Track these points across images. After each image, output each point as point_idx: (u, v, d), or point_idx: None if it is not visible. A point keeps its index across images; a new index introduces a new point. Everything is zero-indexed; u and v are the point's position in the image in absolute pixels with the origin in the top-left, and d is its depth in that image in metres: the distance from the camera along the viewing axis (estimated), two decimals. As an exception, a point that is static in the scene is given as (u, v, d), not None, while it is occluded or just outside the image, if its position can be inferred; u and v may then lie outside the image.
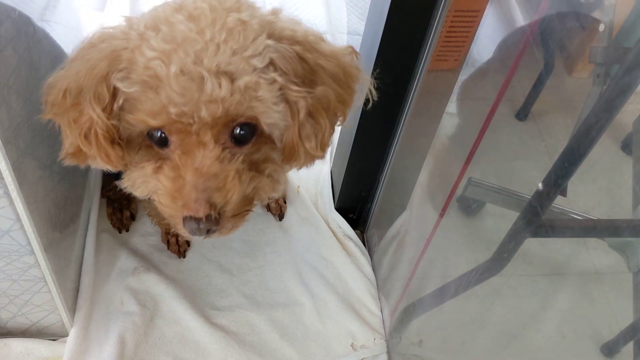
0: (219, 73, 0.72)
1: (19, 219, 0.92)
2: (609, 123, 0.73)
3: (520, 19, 1.00)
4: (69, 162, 0.82)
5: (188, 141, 0.76)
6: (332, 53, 0.84)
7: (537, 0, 0.96)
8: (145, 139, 0.80)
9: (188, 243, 1.39)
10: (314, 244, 1.44)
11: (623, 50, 0.77)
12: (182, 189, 0.76)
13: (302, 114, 0.79)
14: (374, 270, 1.43)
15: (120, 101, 0.75)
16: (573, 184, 0.82)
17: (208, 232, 0.78)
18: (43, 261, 1.02)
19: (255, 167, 0.82)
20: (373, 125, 1.21)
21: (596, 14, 0.84)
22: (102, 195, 1.42)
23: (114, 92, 0.75)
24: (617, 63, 0.78)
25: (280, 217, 1.47)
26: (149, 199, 0.86)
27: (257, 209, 1.47)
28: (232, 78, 0.72)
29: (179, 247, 1.37)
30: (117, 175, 0.89)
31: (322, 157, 0.87)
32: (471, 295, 0.99)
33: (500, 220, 1.02)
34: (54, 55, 1.10)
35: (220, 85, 0.71)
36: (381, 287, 1.39)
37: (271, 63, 0.76)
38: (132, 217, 1.41)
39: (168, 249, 1.38)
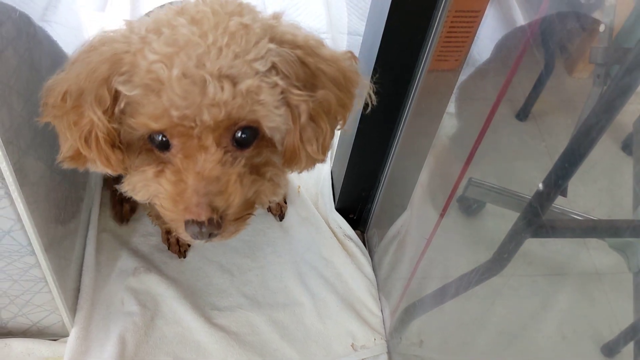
0: (221, 76, 0.72)
1: (19, 220, 0.92)
2: (610, 123, 0.73)
3: (521, 19, 1.00)
4: (67, 165, 0.82)
5: (189, 145, 0.76)
6: (332, 57, 0.84)
7: (538, 1, 0.96)
8: (145, 143, 0.80)
9: (189, 243, 1.39)
10: (315, 244, 1.44)
11: (623, 51, 0.77)
12: (184, 192, 0.76)
13: (303, 118, 0.79)
14: (374, 270, 1.43)
15: (122, 104, 0.74)
16: (573, 184, 0.82)
17: (210, 236, 0.78)
18: (44, 261, 1.02)
19: (256, 170, 0.82)
20: (374, 126, 1.21)
21: (596, 15, 0.84)
22: (108, 187, 1.43)
23: (115, 95, 0.75)
24: (617, 64, 0.78)
25: (281, 217, 1.47)
26: (148, 202, 0.86)
27: (258, 210, 1.47)
28: (234, 82, 0.72)
29: (179, 247, 1.37)
30: (119, 176, 0.89)
31: (323, 160, 0.87)
32: (472, 296, 0.99)
33: (500, 220, 1.02)
34: (55, 55, 1.10)
35: (222, 89, 0.71)
36: (382, 287, 1.39)
37: (273, 67, 0.76)
38: (133, 210, 1.42)
39: (169, 249, 1.38)
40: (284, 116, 0.78)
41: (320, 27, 1.91)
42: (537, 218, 0.85)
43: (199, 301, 1.32)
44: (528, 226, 0.86)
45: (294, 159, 0.84)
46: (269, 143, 0.83)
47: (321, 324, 1.32)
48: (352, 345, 1.30)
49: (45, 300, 1.12)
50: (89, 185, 1.39)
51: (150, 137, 0.78)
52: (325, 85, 0.82)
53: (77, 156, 0.80)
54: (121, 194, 1.22)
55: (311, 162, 0.86)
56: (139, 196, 0.84)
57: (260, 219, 1.48)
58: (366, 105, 0.93)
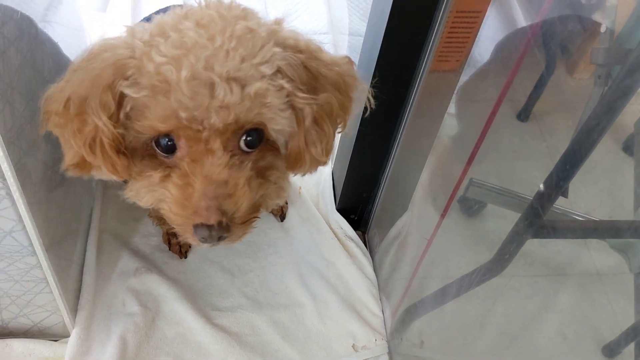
0: (230, 79, 0.72)
1: (21, 220, 0.92)
2: (611, 124, 0.73)
3: (522, 20, 1.00)
4: (72, 173, 0.81)
5: (197, 148, 0.75)
6: (332, 62, 0.85)
7: (539, 1, 0.96)
8: (149, 148, 0.80)
9: (189, 244, 1.39)
10: (315, 244, 1.44)
11: (625, 52, 0.77)
12: (191, 196, 0.76)
13: (308, 121, 0.79)
14: (375, 270, 1.43)
15: (128, 108, 0.74)
16: (574, 185, 0.82)
17: (219, 239, 0.78)
18: (45, 262, 1.02)
19: (261, 174, 0.82)
20: (375, 127, 1.21)
21: (598, 15, 0.84)
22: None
23: (120, 100, 0.75)
24: (618, 64, 0.78)
25: (282, 217, 1.47)
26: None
27: (259, 210, 1.47)
28: (242, 84, 0.72)
29: (180, 247, 1.38)
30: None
31: (325, 163, 0.88)
32: (472, 296, 0.99)
33: (501, 221, 1.02)
34: (57, 56, 1.10)
35: (231, 91, 0.71)
36: (382, 287, 1.39)
37: (278, 70, 0.76)
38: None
39: (169, 249, 1.38)
40: (290, 119, 0.78)
41: (321, 28, 1.91)
42: (538, 219, 0.85)
43: (199, 302, 1.32)
44: (529, 227, 0.86)
45: (299, 162, 0.84)
46: (273, 147, 0.83)
47: (322, 324, 1.32)
48: (353, 346, 1.30)
49: (46, 300, 1.12)
50: (90, 186, 1.39)
51: (156, 142, 0.78)
52: (326, 89, 0.82)
53: (82, 164, 0.79)
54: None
55: (315, 164, 0.86)
56: (143, 202, 0.83)
57: (261, 220, 1.46)
58: (365, 109, 0.94)
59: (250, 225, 0.82)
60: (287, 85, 0.76)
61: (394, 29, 1.01)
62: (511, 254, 0.90)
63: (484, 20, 1.04)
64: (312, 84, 0.80)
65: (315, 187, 1.56)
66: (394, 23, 1.00)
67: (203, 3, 0.81)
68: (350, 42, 1.90)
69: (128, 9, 1.89)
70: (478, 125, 0.98)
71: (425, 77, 1.08)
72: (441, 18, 0.99)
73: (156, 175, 0.79)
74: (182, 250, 1.38)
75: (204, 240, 0.78)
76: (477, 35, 1.05)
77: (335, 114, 0.84)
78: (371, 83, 1.06)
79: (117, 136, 0.75)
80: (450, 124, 1.13)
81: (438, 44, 1.03)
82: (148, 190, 0.81)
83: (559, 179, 0.81)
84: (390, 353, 1.30)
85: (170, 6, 0.91)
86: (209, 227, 0.76)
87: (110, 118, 0.74)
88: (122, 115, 0.75)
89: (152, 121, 0.73)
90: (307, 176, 1.53)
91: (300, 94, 0.77)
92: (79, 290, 1.27)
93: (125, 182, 0.85)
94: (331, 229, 1.47)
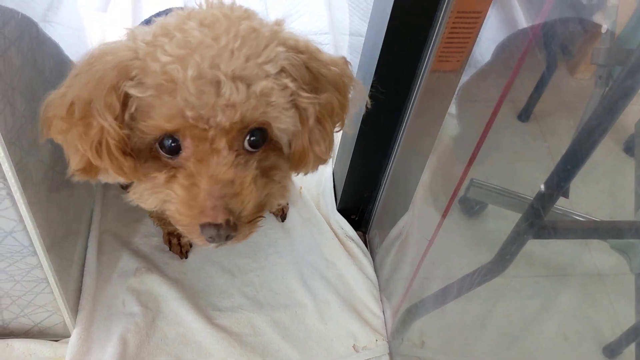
0: (235, 78, 0.72)
1: (22, 220, 0.92)
2: (612, 125, 0.73)
3: (523, 21, 1.00)
4: (78, 178, 0.81)
5: (202, 148, 0.76)
6: (331, 62, 0.85)
7: (540, 2, 0.96)
8: (153, 150, 0.80)
9: (190, 244, 1.39)
10: (316, 245, 1.44)
11: (625, 52, 0.77)
12: (197, 196, 0.76)
13: (311, 120, 0.80)
14: (376, 271, 1.43)
15: (133, 108, 0.74)
16: (575, 185, 0.82)
17: (227, 238, 0.78)
18: (46, 262, 1.02)
19: (265, 174, 0.83)
20: (375, 127, 1.21)
21: (599, 16, 0.84)
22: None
23: (124, 101, 0.75)
24: (619, 65, 0.78)
25: (283, 217, 1.47)
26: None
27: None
28: (247, 83, 0.73)
29: (180, 248, 1.38)
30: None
31: (327, 161, 0.88)
32: (473, 297, 0.99)
33: (502, 221, 1.02)
34: (57, 57, 1.10)
35: (237, 90, 0.72)
36: (383, 288, 1.39)
37: (282, 70, 0.77)
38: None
39: (170, 249, 1.38)
40: (294, 118, 0.79)
41: (322, 28, 1.91)
42: (539, 219, 0.85)
43: (200, 302, 1.32)
44: (530, 227, 0.86)
45: (303, 161, 0.84)
46: (276, 147, 0.83)
47: (323, 324, 1.32)
48: (354, 346, 1.30)
49: (47, 300, 1.12)
50: (91, 186, 1.39)
51: (160, 143, 0.78)
52: (327, 89, 0.83)
53: (88, 168, 0.79)
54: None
55: (318, 163, 0.87)
56: (148, 204, 0.83)
57: (262, 220, 1.47)
58: (365, 109, 0.94)
59: (256, 225, 0.83)
60: (291, 85, 0.76)
61: (395, 29, 1.01)
62: (512, 254, 0.90)
63: (484, 21, 1.04)
64: (313, 84, 0.81)
65: (316, 187, 1.56)
66: (394, 23, 1.00)
67: (204, 5, 0.81)
68: (350, 42, 1.89)
69: (128, 9, 1.89)
70: (479, 126, 0.98)
71: (426, 78, 1.08)
72: (442, 18, 0.99)
73: (161, 176, 0.79)
74: (183, 251, 1.38)
75: (211, 239, 0.78)
76: (478, 36, 1.05)
77: (336, 113, 0.85)
78: (372, 83, 1.07)
79: (123, 137, 0.75)
80: (451, 124, 1.13)
81: (439, 44, 1.03)
82: (152, 192, 0.81)
83: (560, 180, 0.81)
84: (391, 353, 1.30)
85: (170, 8, 0.91)
86: (217, 226, 0.76)
87: (115, 119, 0.74)
88: (127, 116, 0.75)
89: (158, 121, 0.73)
90: (308, 176, 1.54)
91: (304, 94, 0.78)
92: (79, 291, 1.27)
93: (124, 188, 0.85)
94: (332, 229, 1.47)
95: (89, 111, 0.74)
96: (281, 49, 0.77)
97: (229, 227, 0.76)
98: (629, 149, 0.85)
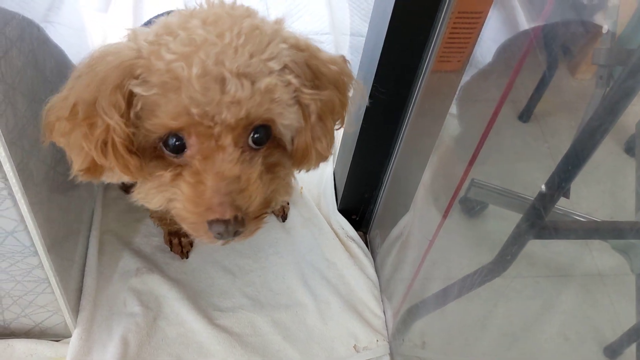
0: (240, 75, 0.72)
1: (23, 220, 0.92)
2: (613, 125, 0.73)
3: (524, 21, 1.00)
4: (82, 178, 0.81)
5: (207, 145, 0.76)
6: (330, 60, 0.86)
7: (541, 2, 0.96)
8: (157, 150, 0.80)
9: (191, 244, 1.40)
10: (317, 245, 1.44)
11: (626, 53, 0.77)
12: (204, 194, 0.76)
13: (314, 117, 0.81)
14: (376, 271, 1.43)
15: (138, 107, 0.74)
16: (576, 185, 0.82)
17: (235, 233, 0.78)
18: (46, 262, 1.02)
19: (269, 170, 0.83)
20: (376, 127, 1.21)
21: (599, 16, 0.84)
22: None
23: (129, 100, 0.75)
24: (620, 65, 0.78)
25: (284, 218, 1.47)
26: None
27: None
28: (252, 80, 0.73)
29: (181, 248, 1.38)
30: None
31: (328, 158, 0.89)
32: (474, 297, 0.99)
33: (503, 221, 1.02)
34: (59, 57, 1.10)
35: (242, 86, 0.72)
36: (384, 288, 1.39)
37: (285, 66, 0.77)
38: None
39: (171, 250, 1.39)
40: (297, 114, 0.79)
41: (323, 29, 1.91)
42: (540, 219, 0.85)
43: (201, 302, 1.32)
44: (531, 227, 0.86)
45: (306, 157, 0.85)
46: (279, 144, 0.84)
47: (323, 325, 1.32)
48: (355, 347, 1.30)
49: (48, 301, 1.12)
50: (91, 186, 1.39)
51: (164, 142, 0.78)
52: (327, 86, 0.83)
53: (93, 168, 0.79)
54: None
55: (320, 159, 0.87)
56: (154, 203, 0.83)
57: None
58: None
59: (262, 220, 0.83)
60: (294, 81, 0.77)
61: (395, 30, 1.01)
62: (513, 254, 0.90)
63: (485, 21, 1.04)
64: (314, 82, 0.81)
65: (317, 187, 1.56)
66: (396, 23, 1.00)
67: (206, 4, 0.81)
68: (351, 42, 1.90)
69: (129, 10, 1.89)
70: (480, 126, 0.98)
71: (427, 78, 1.08)
72: (443, 19, 0.99)
73: (167, 174, 0.79)
74: (184, 251, 1.38)
75: (219, 236, 0.78)
76: (479, 36, 1.05)
77: (337, 110, 0.86)
78: (372, 83, 1.07)
79: (129, 135, 0.75)
80: (452, 125, 1.13)
81: (440, 44, 1.03)
82: (158, 191, 0.81)
83: (561, 180, 0.81)
84: (391, 354, 1.30)
85: (171, 11, 0.92)
86: (225, 222, 0.76)
87: (121, 118, 0.74)
88: (132, 115, 0.75)
89: (164, 119, 0.73)
90: (309, 177, 1.55)
91: (306, 90, 0.79)
92: (80, 291, 1.27)
93: (126, 191, 0.85)
94: (333, 229, 1.47)
95: (93, 111, 0.74)
96: (284, 45, 0.78)
97: (237, 223, 0.76)
98: (629, 149, 0.85)
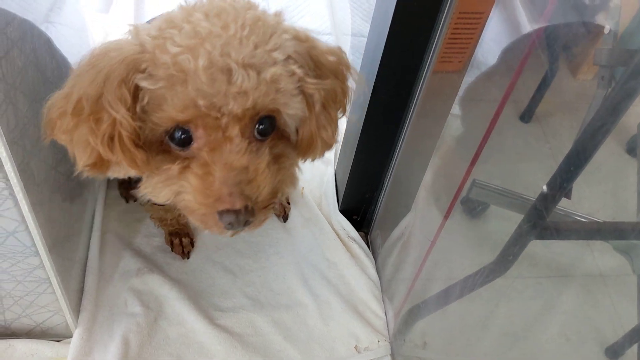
0: (246, 65, 0.73)
1: (24, 221, 0.92)
2: (614, 126, 0.73)
3: (526, 22, 1.00)
4: (88, 174, 0.81)
5: (215, 137, 0.76)
6: (329, 51, 0.87)
7: (543, 3, 0.96)
8: (163, 144, 0.80)
9: (192, 244, 1.40)
10: (318, 245, 1.44)
11: (628, 53, 0.77)
12: (213, 185, 0.76)
13: (318, 106, 0.81)
14: (378, 272, 1.43)
15: (145, 101, 0.75)
16: (578, 186, 0.82)
17: (245, 223, 0.78)
18: (48, 262, 1.02)
19: (275, 161, 0.83)
20: (378, 127, 1.21)
21: (601, 16, 0.84)
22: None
23: (135, 94, 0.75)
24: (622, 66, 0.78)
25: (285, 218, 1.47)
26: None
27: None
28: (257, 70, 0.74)
29: (182, 248, 1.38)
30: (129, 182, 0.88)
31: (332, 146, 0.90)
32: (476, 297, 0.99)
33: (504, 222, 1.02)
34: (60, 57, 1.10)
35: (248, 76, 0.72)
36: (385, 289, 1.39)
37: (289, 56, 0.78)
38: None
39: (172, 250, 1.39)
40: (302, 104, 0.80)
41: (324, 29, 1.91)
42: (542, 220, 0.85)
43: (202, 302, 1.32)
44: (532, 228, 0.86)
45: (311, 146, 0.86)
46: (283, 135, 0.84)
47: (324, 325, 1.32)
48: (356, 347, 1.30)
49: (49, 301, 1.12)
50: (92, 187, 1.39)
51: (171, 136, 0.78)
52: (328, 76, 0.84)
53: (99, 163, 0.79)
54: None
55: (325, 148, 0.88)
56: (162, 196, 0.83)
57: (264, 220, 1.48)
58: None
59: (269, 211, 0.83)
60: (298, 71, 0.78)
61: (397, 30, 1.01)
62: (514, 255, 0.90)
63: (487, 22, 1.04)
64: (316, 72, 0.82)
65: (318, 187, 1.56)
66: (397, 24, 1.00)
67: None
68: (352, 42, 1.89)
69: (131, 10, 1.89)
70: (481, 126, 0.98)
71: (429, 78, 1.08)
72: (444, 19, 0.99)
73: (175, 167, 0.79)
74: (185, 251, 1.38)
75: (230, 226, 0.78)
76: (481, 37, 1.05)
77: (339, 99, 0.87)
78: (374, 84, 1.07)
79: (135, 128, 0.75)
80: (453, 125, 1.13)
81: (441, 45, 1.03)
82: (165, 185, 0.81)
83: (563, 180, 0.81)
84: (392, 354, 1.30)
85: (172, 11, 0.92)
86: (236, 212, 0.76)
87: (127, 111, 0.75)
88: (138, 109, 0.75)
89: (171, 112, 0.73)
90: (310, 177, 1.55)
91: (310, 80, 0.79)
92: (81, 291, 1.27)
93: (125, 199, 0.84)
94: (334, 229, 1.47)
95: (98, 106, 0.74)
96: (287, 36, 0.79)
97: (247, 213, 0.77)
98: (631, 150, 0.85)
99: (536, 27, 0.97)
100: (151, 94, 0.74)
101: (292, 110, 0.79)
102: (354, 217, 1.50)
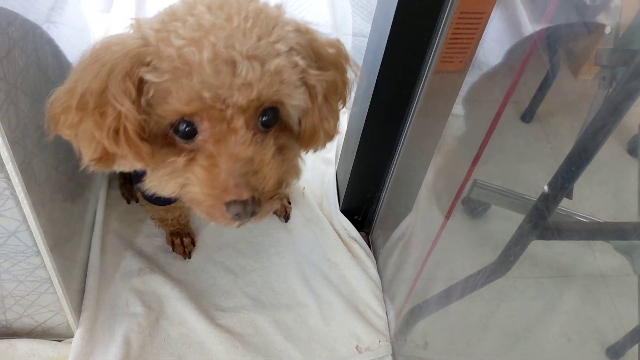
0: (250, 57, 0.73)
1: (25, 220, 0.92)
2: (615, 126, 0.73)
3: (527, 22, 1.00)
4: (94, 168, 0.81)
5: (220, 129, 0.76)
6: (328, 43, 0.87)
7: (544, 3, 0.96)
8: (168, 137, 0.80)
9: (193, 244, 1.40)
10: (319, 245, 1.44)
11: (630, 53, 0.77)
12: (219, 176, 0.76)
13: (320, 97, 0.82)
14: (379, 272, 1.43)
15: (150, 94, 0.75)
16: (579, 186, 0.82)
17: (252, 214, 0.78)
18: (49, 262, 1.02)
19: (279, 152, 0.84)
20: (379, 127, 1.21)
21: (602, 16, 0.84)
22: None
23: (139, 87, 0.75)
24: (623, 66, 0.78)
25: (286, 217, 1.47)
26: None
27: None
28: (261, 62, 0.74)
29: (184, 248, 1.38)
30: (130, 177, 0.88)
31: (334, 137, 0.91)
32: (477, 297, 0.99)
33: (505, 222, 1.02)
34: (61, 57, 1.10)
35: (252, 68, 0.73)
36: (386, 289, 1.39)
37: (292, 48, 0.78)
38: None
39: (173, 250, 1.39)
40: (304, 95, 0.80)
41: (325, 29, 1.91)
42: (543, 220, 0.85)
43: (203, 302, 1.32)
44: (534, 228, 0.86)
45: (314, 137, 0.87)
46: (286, 127, 0.85)
47: (325, 325, 1.32)
48: (357, 347, 1.30)
49: (51, 301, 1.12)
50: (94, 186, 1.39)
51: (175, 129, 0.78)
52: (328, 68, 0.84)
53: (105, 157, 0.79)
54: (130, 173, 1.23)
55: (327, 139, 0.89)
56: (167, 189, 0.83)
57: (265, 220, 1.48)
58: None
59: (275, 201, 0.83)
60: (301, 62, 0.78)
61: (398, 30, 1.01)
62: (516, 255, 0.90)
63: (488, 22, 1.04)
64: (317, 63, 0.83)
65: (319, 188, 1.56)
66: (398, 24, 1.00)
67: None
68: (353, 42, 1.90)
69: (132, 10, 1.89)
70: (483, 127, 0.98)
71: (430, 78, 1.08)
72: (445, 19, 0.99)
73: (180, 160, 0.79)
74: (186, 251, 1.38)
75: (237, 217, 0.78)
76: (482, 37, 1.05)
77: (340, 91, 0.87)
78: (375, 83, 1.07)
79: (140, 122, 0.76)
80: (454, 125, 1.13)
81: (442, 45, 1.03)
82: (171, 177, 0.81)
83: (564, 181, 0.81)
84: (394, 354, 1.30)
85: None
86: (243, 202, 0.76)
87: (132, 104, 0.75)
88: (143, 102, 0.76)
89: (176, 104, 0.74)
90: (311, 177, 1.55)
91: (313, 71, 0.80)
92: (82, 291, 1.27)
93: (127, 200, 0.84)
94: (335, 229, 1.47)
95: (103, 100, 0.75)
96: (289, 28, 0.79)
97: (254, 203, 0.77)
98: (632, 150, 0.85)
99: (537, 27, 0.97)
100: (156, 87, 0.74)
101: (295, 102, 0.79)
102: (355, 217, 1.50)
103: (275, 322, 1.31)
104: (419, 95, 1.11)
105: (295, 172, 0.88)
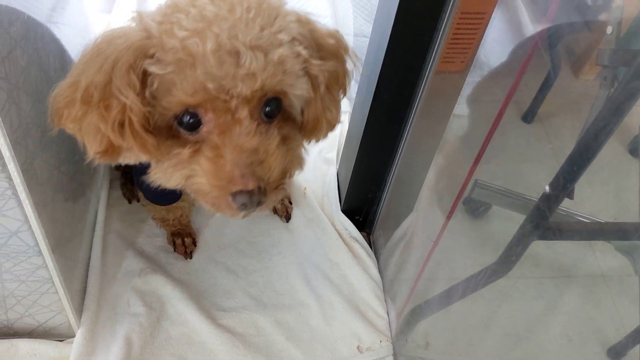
0: (253, 47, 0.73)
1: (27, 221, 0.92)
2: (617, 126, 0.73)
3: (528, 22, 1.00)
4: (100, 161, 0.81)
5: (224, 120, 0.76)
6: (328, 34, 0.88)
7: (545, 3, 0.96)
8: (173, 129, 0.80)
9: (194, 244, 1.40)
10: (320, 245, 1.44)
11: (631, 53, 0.77)
12: (224, 167, 0.77)
13: (322, 87, 0.83)
14: (380, 272, 1.43)
15: (154, 86, 0.75)
16: (580, 186, 0.82)
17: (258, 204, 0.79)
18: (50, 262, 1.02)
19: (282, 142, 0.84)
20: (380, 127, 1.21)
21: (603, 16, 0.84)
22: (117, 168, 1.44)
23: (143, 79, 0.75)
24: (624, 66, 0.78)
25: (287, 218, 1.48)
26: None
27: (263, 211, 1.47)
28: (264, 52, 0.74)
29: (185, 248, 1.38)
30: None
31: (336, 127, 0.92)
32: (478, 298, 0.99)
33: (507, 222, 1.02)
34: (63, 57, 1.10)
35: (256, 58, 0.73)
36: (387, 289, 1.39)
37: (294, 38, 0.79)
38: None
39: (174, 250, 1.39)
40: (307, 85, 0.81)
41: (326, 29, 1.91)
42: (544, 220, 0.85)
43: (204, 302, 1.32)
44: (535, 228, 0.86)
45: (316, 127, 0.87)
46: (289, 117, 0.85)
47: (327, 325, 1.32)
48: (358, 347, 1.30)
49: (52, 301, 1.12)
50: (95, 187, 1.39)
51: (179, 120, 0.78)
52: (329, 58, 0.85)
53: (110, 149, 0.79)
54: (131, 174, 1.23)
55: (329, 128, 0.90)
56: (172, 181, 0.83)
57: (265, 221, 1.48)
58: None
59: (280, 191, 0.84)
60: (303, 52, 0.79)
61: (399, 31, 1.01)
62: (517, 255, 0.90)
63: (489, 22, 1.04)
64: (319, 54, 0.83)
65: (320, 188, 1.56)
66: (399, 24, 1.00)
67: None
68: (355, 43, 1.90)
69: (133, 10, 1.89)
70: (484, 127, 0.98)
71: (431, 78, 1.08)
72: (447, 19, 0.99)
73: (185, 151, 0.80)
74: (187, 251, 1.38)
75: (243, 207, 0.78)
76: (483, 37, 1.05)
77: (341, 81, 0.88)
78: (377, 83, 1.07)
79: (145, 114, 0.76)
80: (455, 125, 1.13)
81: (444, 45, 1.03)
82: (176, 169, 0.81)
83: (565, 181, 0.81)
84: (395, 354, 1.30)
85: None
86: (249, 192, 0.77)
87: (137, 97, 0.75)
88: (147, 94, 0.76)
89: (180, 96, 0.74)
90: (312, 177, 1.55)
91: (315, 61, 0.80)
92: (84, 291, 1.27)
93: (128, 200, 0.83)
94: (336, 230, 1.47)
95: (107, 93, 0.75)
96: (291, 18, 0.80)
97: (260, 193, 0.77)
98: (634, 150, 0.85)
99: (538, 27, 0.97)
100: (160, 78, 0.75)
101: (298, 91, 0.80)
102: (356, 217, 1.50)
103: (276, 323, 1.31)
104: (420, 96, 1.11)
105: (299, 162, 0.88)
